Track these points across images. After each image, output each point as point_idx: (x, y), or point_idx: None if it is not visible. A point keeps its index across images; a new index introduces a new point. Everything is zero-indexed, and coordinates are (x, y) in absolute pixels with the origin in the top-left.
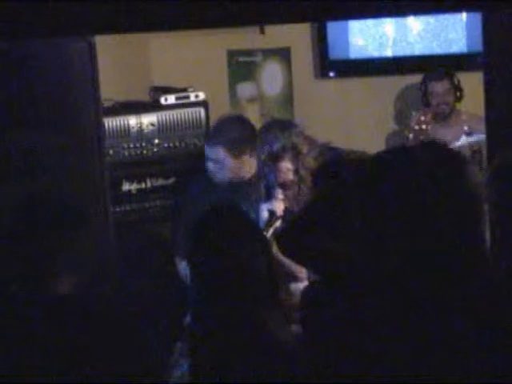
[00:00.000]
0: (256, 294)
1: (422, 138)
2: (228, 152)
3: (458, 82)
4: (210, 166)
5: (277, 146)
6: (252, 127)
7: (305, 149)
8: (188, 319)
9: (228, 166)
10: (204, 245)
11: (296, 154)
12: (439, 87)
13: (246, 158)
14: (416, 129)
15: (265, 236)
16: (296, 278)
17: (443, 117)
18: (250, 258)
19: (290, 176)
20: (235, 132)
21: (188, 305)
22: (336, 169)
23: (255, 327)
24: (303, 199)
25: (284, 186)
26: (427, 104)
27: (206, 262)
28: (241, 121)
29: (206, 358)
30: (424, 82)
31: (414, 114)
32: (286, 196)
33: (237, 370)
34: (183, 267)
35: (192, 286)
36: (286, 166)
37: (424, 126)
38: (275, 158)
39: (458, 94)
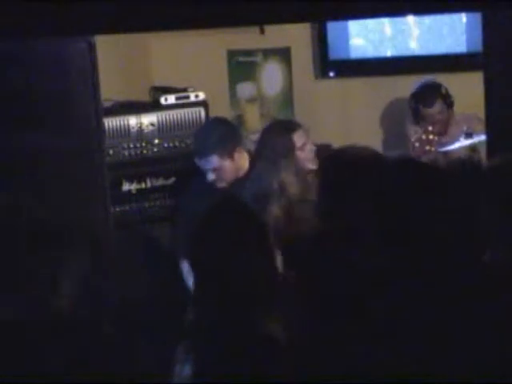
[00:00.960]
0: (259, 293)
1: (427, 148)
2: (222, 157)
3: (446, 90)
4: (211, 176)
5: (263, 188)
6: (228, 122)
7: (294, 186)
8: (190, 317)
9: (227, 169)
10: (206, 242)
11: (285, 196)
12: (432, 112)
13: (237, 155)
14: (423, 139)
15: (268, 232)
16: None
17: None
18: (253, 256)
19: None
20: (219, 135)
21: (190, 304)
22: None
23: (257, 327)
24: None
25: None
26: (421, 121)
27: (208, 260)
28: (217, 122)
29: (208, 357)
30: (415, 103)
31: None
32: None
33: (238, 370)
34: (186, 267)
35: (194, 284)
36: (276, 212)
37: (431, 137)
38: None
39: (448, 100)
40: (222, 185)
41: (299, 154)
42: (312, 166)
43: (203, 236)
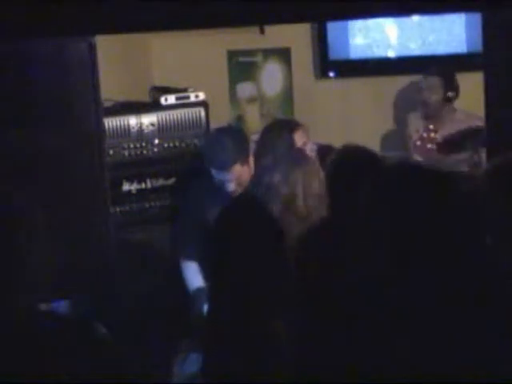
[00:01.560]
0: (272, 294)
1: (429, 146)
2: (243, 165)
3: (454, 82)
4: (231, 186)
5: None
6: (235, 129)
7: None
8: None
9: (245, 176)
10: (222, 242)
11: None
12: (426, 84)
13: (250, 159)
14: (425, 137)
15: (281, 229)
16: None
17: (432, 114)
18: (269, 257)
19: None
20: (235, 144)
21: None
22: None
23: (269, 327)
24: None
25: None
26: (422, 102)
27: (222, 259)
28: (226, 132)
29: (218, 355)
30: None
31: (411, 117)
32: None
33: (246, 369)
34: (188, 268)
35: (210, 282)
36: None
37: (433, 135)
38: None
39: (450, 94)
40: (238, 191)
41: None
42: None
43: (220, 236)
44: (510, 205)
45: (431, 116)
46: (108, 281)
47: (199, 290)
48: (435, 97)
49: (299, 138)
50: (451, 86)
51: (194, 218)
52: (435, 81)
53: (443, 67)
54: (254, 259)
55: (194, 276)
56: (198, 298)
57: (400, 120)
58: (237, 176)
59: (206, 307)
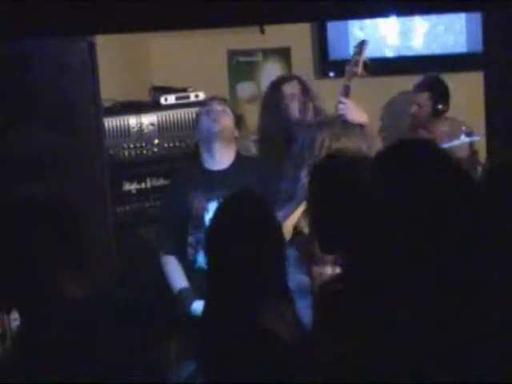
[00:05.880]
0: (268, 289)
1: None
2: (232, 121)
3: (445, 95)
4: (217, 126)
5: None
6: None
7: None
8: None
9: (234, 133)
10: (220, 234)
11: None
12: (416, 99)
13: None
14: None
15: (279, 225)
16: (319, 262)
17: (419, 126)
18: (263, 250)
19: None
20: (224, 103)
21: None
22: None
23: (263, 322)
24: None
25: None
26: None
27: (221, 251)
28: (210, 100)
29: (215, 352)
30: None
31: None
32: None
33: (244, 365)
34: (168, 264)
35: (207, 274)
36: None
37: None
38: None
39: (440, 107)
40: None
41: (289, 103)
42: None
43: (217, 225)
44: (509, 205)
45: (418, 127)
46: (107, 281)
47: (184, 290)
48: (423, 111)
49: (289, 89)
50: (441, 99)
51: (173, 208)
52: (425, 96)
53: (434, 81)
54: (253, 253)
55: (176, 275)
56: (184, 298)
57: (399, 120)
58: (224, 125)
59: (192, 308)
